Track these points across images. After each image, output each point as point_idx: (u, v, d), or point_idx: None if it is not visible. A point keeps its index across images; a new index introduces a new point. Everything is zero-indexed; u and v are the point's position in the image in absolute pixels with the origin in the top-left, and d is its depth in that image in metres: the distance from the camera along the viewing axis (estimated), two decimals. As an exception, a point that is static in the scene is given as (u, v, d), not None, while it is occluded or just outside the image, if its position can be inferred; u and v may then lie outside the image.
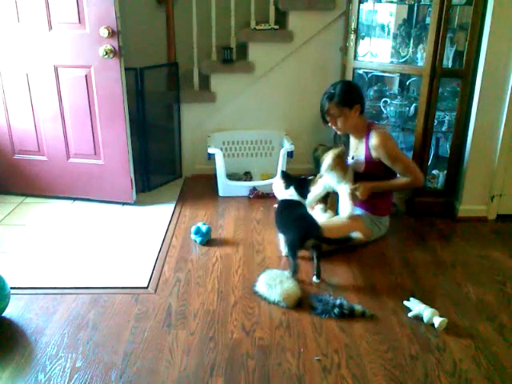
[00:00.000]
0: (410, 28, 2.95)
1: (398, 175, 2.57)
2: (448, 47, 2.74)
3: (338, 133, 2.60)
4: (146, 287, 2.20)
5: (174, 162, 3.59)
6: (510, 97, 2.68)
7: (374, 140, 2.44)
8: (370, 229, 2.56)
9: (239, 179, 3.42)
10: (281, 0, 3.28)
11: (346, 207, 2.50)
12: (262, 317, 1.99)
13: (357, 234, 2.20)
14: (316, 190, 2.61)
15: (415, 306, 1.99)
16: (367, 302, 2.09)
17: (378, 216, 2.60)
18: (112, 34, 2.67)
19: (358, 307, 2.01)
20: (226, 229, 2.76)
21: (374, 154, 2.46)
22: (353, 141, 2.63)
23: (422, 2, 2.88)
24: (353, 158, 2.59)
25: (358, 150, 2.58)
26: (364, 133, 2.52)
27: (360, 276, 2.30)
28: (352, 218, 2.53)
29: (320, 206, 2.72)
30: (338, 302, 2.01)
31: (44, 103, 2.94)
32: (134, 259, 2.44)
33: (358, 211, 2.59)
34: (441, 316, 1.93)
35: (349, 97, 2.44)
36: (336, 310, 1.97)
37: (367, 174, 2.53)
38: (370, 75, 3.17)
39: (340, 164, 2.49)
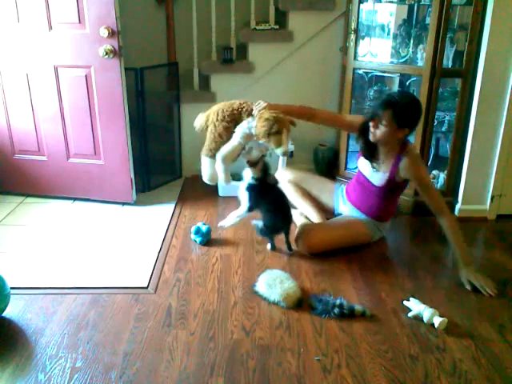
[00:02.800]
0: (410, 28, 2.95)
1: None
2: (448, 47, 2.74)
3: (370, 137, 2.36)
4: (146, 287, 2.20)
5: (173, 162, 3.59)
6: (509, 97, 2.68)
7: (407, 161, 2.31)
8: (371, 232, 2.53)
9: (239, 179, 3.41)
10: (281, 0, 3.28)
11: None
12: (261, 317, 1.99)
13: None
14: (231, 144, 2.35)
15: (415, 306, 1.99)
16: (367, 302, 2.09)
17: (381, 222, 2.56)
18: (112, 33, 2.67)
19: (358, 307, 2.01)
20: (226, 229, 2.76)
21: (402, 174, 2.33)
22: (380, 153, 2.42)
23: (422, 2, 2.88)
24: (373, 168, 2.44)
25: (383, 164, 2.41)
26: (397, 150, 2.36)
27: (360, 276, 2.30)
28: (353, 221, 2.52)
29: (298, 212, 2.69)
30: (337, 301, 2.01)
31: (44, 103, 2.94)
32: (134, 259, 2.44)
33: (360, 215, 2.53)
34: (441, 316, 1.93)
35: (406, 117, 2.27)
36: (336, 310, 1.97)
37: (382, 190, 2.44)
38: (369, 75, 3.17)
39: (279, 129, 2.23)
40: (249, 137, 2.30)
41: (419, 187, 2.34)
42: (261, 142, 2.22)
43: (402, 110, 2.23)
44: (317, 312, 2.00)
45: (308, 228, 2.54)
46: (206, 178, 2.51)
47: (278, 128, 2.15)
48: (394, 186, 2.42)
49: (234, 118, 2.36)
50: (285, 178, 2.82)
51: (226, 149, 2.30)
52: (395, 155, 2.35)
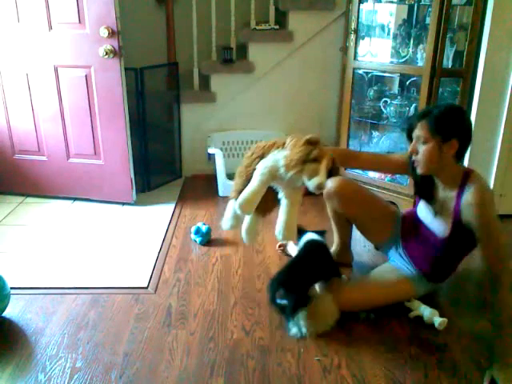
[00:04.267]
0: (410, 28, 2.95)
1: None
2: (448, 47, 2.74)
3: (418, 170, 1.84)
4: (146, 287, 2.20)
5: (174, 162, 3.59)
6: (509, 97, 2.68)
7: (470, 196, 1.74)
8: (418, 292, 2.04)
9: (239, 179, 3.41)
10: (281, 0, 3.28)
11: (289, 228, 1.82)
12: (262, 317, 1.99)
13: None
14: (251, 185, 1.77)
15: (415, 306, 1.99)
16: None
17: (435, 282, 2.07)
18: (112, 33, 2.67)
19: (362, 312, 1.98)
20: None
21: (465, 214, 1.76)
22: (439, 189, 1.90)
23: (422, 2, 2.88)
24: (436, 215, 1.91)
25: (444, 204, 1.86)
26: (458, 182, 1.81)
27: (359, 276, 2.30)
28: (401, 280, 2.03)
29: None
30: None
31: (44, 103, 2.94)
32: (134, 259, 2.44)
33: (411, 269, 2.04)
34: (441, 316, 1.93)
35: (447, 123, 1.74)
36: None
37: (449, 242, 1.88)
38: (369, 75, 3.17)
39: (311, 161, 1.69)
40: (273, 173, 1.74)
41: (479, 231, 1.74)
42: (289, 174, 1.68)
43: (440, 115, 1.75)
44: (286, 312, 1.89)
45: (343, 287, 2.05)
46: (224, 224, 1.95)
47: (317, 154, 1.67)
48: (462, 236, 1.83)
49: (263, 153, 1.83)
50: (328, 188, 2.16)
51: (244, 193, 1.75)
52: (457, 189, 1.80)
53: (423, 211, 1.99)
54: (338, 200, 2.15)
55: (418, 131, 1.77)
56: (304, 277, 1.92)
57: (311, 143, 1.70)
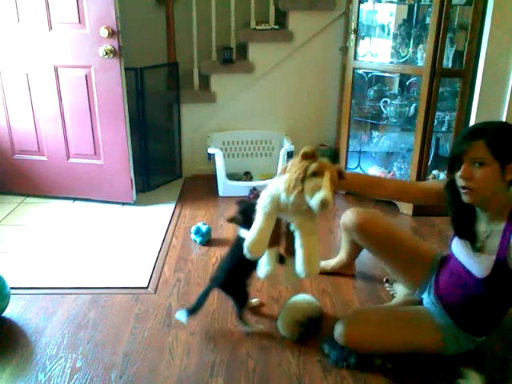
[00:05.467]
0: (409, 28, 2.95)
1: None
2: (448, 47, 2.74)
3: (464, 197, 1.54)
4: (146, 287, 2.20)
5: (174, 162, 3.59)
6: (509, 97, 2.68)
7: None
8: (447, 344, 1.69)
9: (239, 179, 3.42)
10: (281, 0, 3.28)
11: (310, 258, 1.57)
12: (261, 317, 1.99)
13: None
14: (255, 225, 1.58)
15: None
16: (367, 302, 2.09)
17: (473, 336, 1.70)
18: (112, 33, 2.67)
19: (378, 358, 1.72)
20: (226, 229, 2.76)
21: None
22: (482, 222, 1.61)
23: (422, 2, 2.88)
24: (476, 252, 1.59)
25: (488, 239, 1.57)
26: (506, 214, 1.54)
27: (360, 276, 2.30)
28: (426, 324, 1.71)
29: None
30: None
31: (44, 103, 2.94)
32: (134, 259, 2.44)
33: (441, 317, 1.72)
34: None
35: (509, 142, 1.48)
36: (352, 360, 1.70)
37: (489, 283, 1.56)
38: (370, 75, 3.17)
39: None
40: (276, 203, 1.55)
41: None
42: (291, 198, 1.49)
43: (501, 133, 1.49)
44: (332, 360, 1.72)
45: (355, 315, 1.83)
46: (260, 272, 1.67)
47: (316, 167, 1.47)
48: (506, 276, 1.53)
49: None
50: (347, 221, 1.97)
51: (250, 233, 1.58)
52: (506, 221, 1.53)
53: (459, 247, 1.67)
54: (360, 237, 1.94)
55: (474, 153, 1.46)
56: (239, 276, 1.83)
57: (307, 157, 1.52)
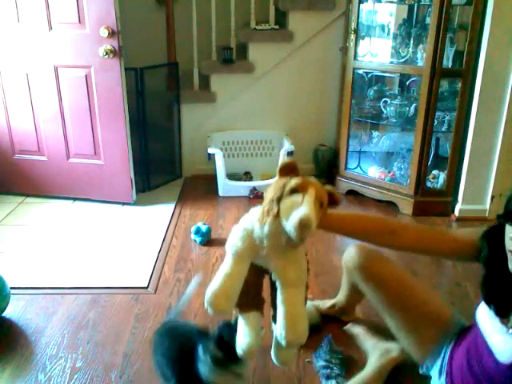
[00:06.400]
0: (410, 28, 2.95)
1: None
2: (448, 47, 2.74)
3: None
4: (146, 287, 2.20)
5: (173, 162, 3.59)
6: (509, 97, 2.68)
7: None
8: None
9: (239, 179, 3.42)
10: (281, 0, 3.28)
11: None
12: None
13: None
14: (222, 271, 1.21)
15: None
16: (367, 302, 2.08)
17: None
18: (112, 33, 2.67)
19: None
20: (226, 229, 2.76)
21: None
22: None
23: (422, 2, 2.88)
24: (506, 326, 1.16)
25: None
26: None
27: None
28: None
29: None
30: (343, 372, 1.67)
31: (44, 103, 2.94)
32: (134, 259, 2.44)
33: None
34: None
35: None
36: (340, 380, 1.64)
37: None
38: (369, 75, 3.17)
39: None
40: (249, 241, 1.20)
41: None
42: (266, 228, 1.15)
43: None
44: (323, 376, 1.67)
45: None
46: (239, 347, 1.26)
47: (297, 183, 1.14)
48: None
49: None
50: (349, 258, 1.63)
51: (212, 283, 1.20)
52: None
53: (486, 320, 1.24)
54: (362, 278, 1.59)
55: None
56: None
57: (287, 171, 1.19)
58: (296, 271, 1.20)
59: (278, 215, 1.10)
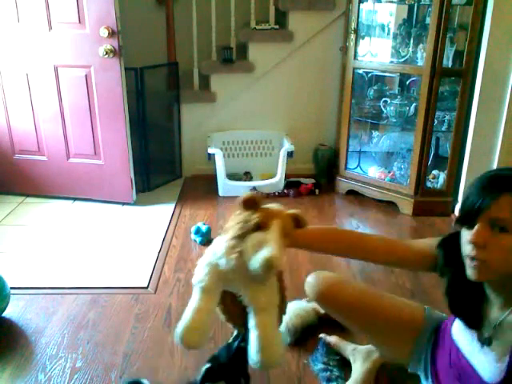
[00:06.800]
0: (410, 28, 2.95)
1: None
2: (448, 47, 2.74)
3: (471, 272, 1.07)
4: (146, 287, 2.20)
5: (173, 162, 3.59)
6: (509, 97, 2.68)
7: None
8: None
9: (239, 179, 3.42)
10: (281, 0, 3.28)
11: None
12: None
13: None
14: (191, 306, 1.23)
15: None
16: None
17: None
18: (112, 33, 2.67)
19: None
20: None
21: None
22: (494, 307, 1.13)
23: (422, 2, 2.88)
24: (484, 346, 1.12)
25: (500, 334, 1.10)
26: None
27: (360, 276, 2.30)
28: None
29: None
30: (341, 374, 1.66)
31: (44, 103, 2.94)
32: (134, 259, 2.44)
33: None
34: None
35: None
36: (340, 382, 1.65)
37: None
38: (369, 75, 3.16)
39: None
40: (216, 272, 1.21)
41: None
42: (231, 264, 1.17)
43: None
44: (323, 379, 1.66)
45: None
46: None
47: (259, 218, 1.13)
48: None
49: None
50: (308, 290, 1.54)
51: (183, 318, 1.22)
52: None
53: (462, 336, 1.21)
54: (323, 307, 1.58)
55: (495, 212, 1.01)
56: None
57: (248, 206, 1.17)
58: (266, 296, 1.23)
59: (242, 253, 1.12)
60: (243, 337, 1.33)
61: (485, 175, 1.08)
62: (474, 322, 1.14)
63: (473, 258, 1.04)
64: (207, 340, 1.23)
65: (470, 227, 1.05)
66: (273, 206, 1.18)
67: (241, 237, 1.13)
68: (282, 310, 1.30)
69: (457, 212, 2.92)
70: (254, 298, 1.21)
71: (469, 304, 1.14)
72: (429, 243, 1.29)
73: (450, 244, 1.15)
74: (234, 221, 1.19)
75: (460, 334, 1.22)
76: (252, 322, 1.21)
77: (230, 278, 1.19)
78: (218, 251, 1.20)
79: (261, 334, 1.20)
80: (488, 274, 1.06)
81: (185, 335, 1.17)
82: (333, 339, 1.77)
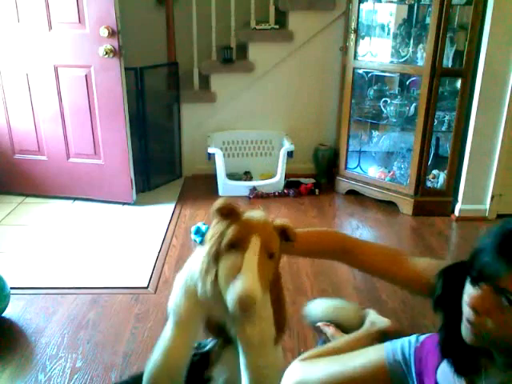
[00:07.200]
0: (409, 28, 2.95)
1: None
2: (448, 47, 2.74)
3: (466, 334, 0.89)
4: (146, 287, 2.20)
5: (173, 162, 3.59)
6: (509, 97, 2.68)
7: None
8: None
9: (239, 179, 3.42)
10: (281, 0, 3.28)
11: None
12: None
13: None
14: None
15: None
16: (367, 302, 2.09)
17: None
18: (112, 33, 2.67)
19: None
20: (226, 229, 2.76)
21: None
22: (496, 361, 0.91)
23: (422, 2, 2.88)
24: None
25: None
26: None
27: (360, 276, 2.30)
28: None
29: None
30: None
31: (44, 103, 2.94)
32: (134, 259, 2.44)
33: None
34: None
35: None
36: None
37: None
38: (370, 75, 3.17)
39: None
40: (193, 300, 1.09)
41: None
42: (207, 288, 1.01)
43: None
44: None
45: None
46: None
47: (236, 235, 0.96)
48: None
49: None
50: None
51: (154, 355, 1.15)
52: None
53: (446, 380, 0.99)
54: None
55: (507, 283, 0.83)
56: None
57: (223, 214, 0.99)
58: (257, 329, 0.99)
59: (216, 278, 0.94)
60: (198, 345, 1.13)
61: (506, 231, 0.88)
62: (464, 369, 0.95)
63: (470, 323, 0.88)
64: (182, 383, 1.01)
65: (475, 284, 0.89)
66: (256, 214, 0.96)
67: (214, 256, 0.96)
68: (281, 329, 1.07)
69: (457, 212, 2.92)
70: (241, 333, 0.99)
71: (464, 350, 0.94)
72: (432, 266, 1.14)
73: (453, 276, 0.98)
74: (210, 232, 1.01)
75: (445, 380, 0.99)
76: (242, 362, 1.00)
77: (211, 305, 0.99)
78: (194, 270, 1.01)
79: (254, 377, 0.99)
80: (484, 342, 0.90)
81: (155, 378, 0.96)
82: (330, 330, 1.69)
